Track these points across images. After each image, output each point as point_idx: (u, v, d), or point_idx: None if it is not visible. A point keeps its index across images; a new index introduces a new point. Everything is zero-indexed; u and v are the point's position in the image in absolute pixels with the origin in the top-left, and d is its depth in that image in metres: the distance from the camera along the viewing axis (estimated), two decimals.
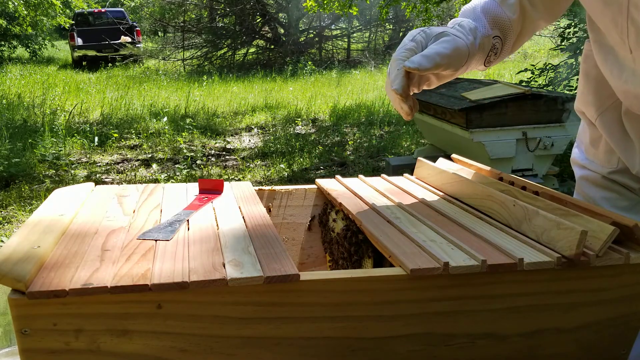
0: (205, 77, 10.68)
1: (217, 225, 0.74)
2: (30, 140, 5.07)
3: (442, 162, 1.03)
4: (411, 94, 0.83)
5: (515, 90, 3.53)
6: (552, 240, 0.67)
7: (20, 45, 14.99)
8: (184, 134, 5.81)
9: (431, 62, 0.79)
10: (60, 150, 4.96)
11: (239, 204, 0.84)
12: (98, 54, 13.08)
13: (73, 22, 13.50)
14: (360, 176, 1.05)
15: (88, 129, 5.81)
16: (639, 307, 0.71)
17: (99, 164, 4.84)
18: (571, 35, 5.86)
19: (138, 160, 5.02)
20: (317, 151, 5.23)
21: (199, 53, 12.91)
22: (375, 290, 0.62)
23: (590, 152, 0.97)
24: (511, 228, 0.75)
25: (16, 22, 12.22)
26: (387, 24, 14.85)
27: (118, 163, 4.93)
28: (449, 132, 3.75)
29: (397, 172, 4.79)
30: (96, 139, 5.48)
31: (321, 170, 4.63)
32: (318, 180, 1.00)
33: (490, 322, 0.67)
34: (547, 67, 5.97)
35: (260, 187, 0.98)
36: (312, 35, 14.10)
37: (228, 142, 5.71)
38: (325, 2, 6.22)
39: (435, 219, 0.80)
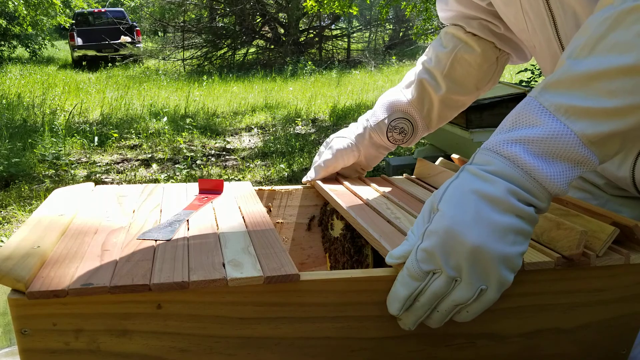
0: (205, 77, 10.68)
1: (217, 225, 0.74)
2: (30, 140, 5.08)
3: (442, 162, 1.03)
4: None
5: (515, 90, 3.53)
6: (552, 240, 0.67)
7: (20, 45, 14.98)
8: (183, 134, 5.82)
9: (318, 173, 1.00)
10: (60, 150, 4.96)
11: (239, 203, 0.84)
12: (98, 53, 13.08)
13: (73, 21, 13.50)
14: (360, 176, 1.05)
15: (88, 129, 5.81)
16: (639, 307, 0.71)
17: (98, 164, 4.84)
18: None
19: (138, 160, 5.02)
20: (317, 151, 5.23)
21: (199, 53, 12.91)
22: (375, 290, 0.62)
23: None
24: None
25: (16, 22, 12.23)
26: (387, 24, 14.86)
27: (118, 163, 4.93)
28: (449, 132, 3.75)
29: (397, 172, 4.76)
30: (96, 139, 5.48)
31: None
32: (317, 181, 1.00)
33: (490, 322, 0.67)
34: None
35: (260, 187, 0.98)
36: (312, 35, 14.10)
37: (228, 142, 5.72)
38: (325, 2, 6.23)
39: None
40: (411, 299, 0.59)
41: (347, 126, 1.05)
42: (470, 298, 0.57)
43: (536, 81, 6.07)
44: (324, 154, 1.01)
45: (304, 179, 1.02)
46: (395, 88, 1.03)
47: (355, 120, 1.05)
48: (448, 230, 0.57)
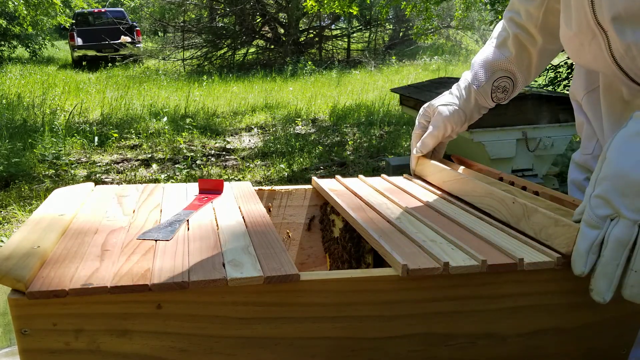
0: (205, 77, 10.68)
1: (217, 225, 0.74)
2: (30, 140, 5.07)
3: (442, 162, 1.03)
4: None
5: None
6: (550, 237, 0.67)
7: (20, 45, 14.98)
8: (183, 134, 5.81)
9: (427, 146, 1.02)
10: (60, 150, 4.96)
11: (239, 203, 0.84)
12: (98, 53, 13.08)
13: (73, 21, 13.51)
14: (360, 176, 1.05)
15: (88, 128, 5.80)
16: (639, 307, 0.71)
17: (98, 164, 4.84)
18: None
19: (138, 160, 5.01)
20: (317, 151, 5.23)
21: (198, 53, 12.91)
22: (375, 290, 0.62)
23: (582, 146, 0.99)
24: (510, 226, 0.75)
25: (16, 21, 12.23)
26: (387, 24, 14.85)
27: (118, 163, 4.93)
28: None
29: (397, 172, 4.75)
30: (96, 138, 5.47)
31: (321, 170, 4.62)
32: (315, 179, 1.00)
33: (490, 322, 0.67)
34: (547, 67, 5.99)
35: (260, 187, 0.98)
36: (312, 35, 14.10)
37: (228, 142, 5.71)
38: (325, 2, 6.22)
39: (435, 219, 0.80)
40: (593, 251, 0.59)
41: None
42: None
43: (536, 81, 6.07)
44: (432, 124, 1.02)
45: (415, 152, 1.03)
46: (487, 49, 1.04)
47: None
48: (617, 173, 0.57)
